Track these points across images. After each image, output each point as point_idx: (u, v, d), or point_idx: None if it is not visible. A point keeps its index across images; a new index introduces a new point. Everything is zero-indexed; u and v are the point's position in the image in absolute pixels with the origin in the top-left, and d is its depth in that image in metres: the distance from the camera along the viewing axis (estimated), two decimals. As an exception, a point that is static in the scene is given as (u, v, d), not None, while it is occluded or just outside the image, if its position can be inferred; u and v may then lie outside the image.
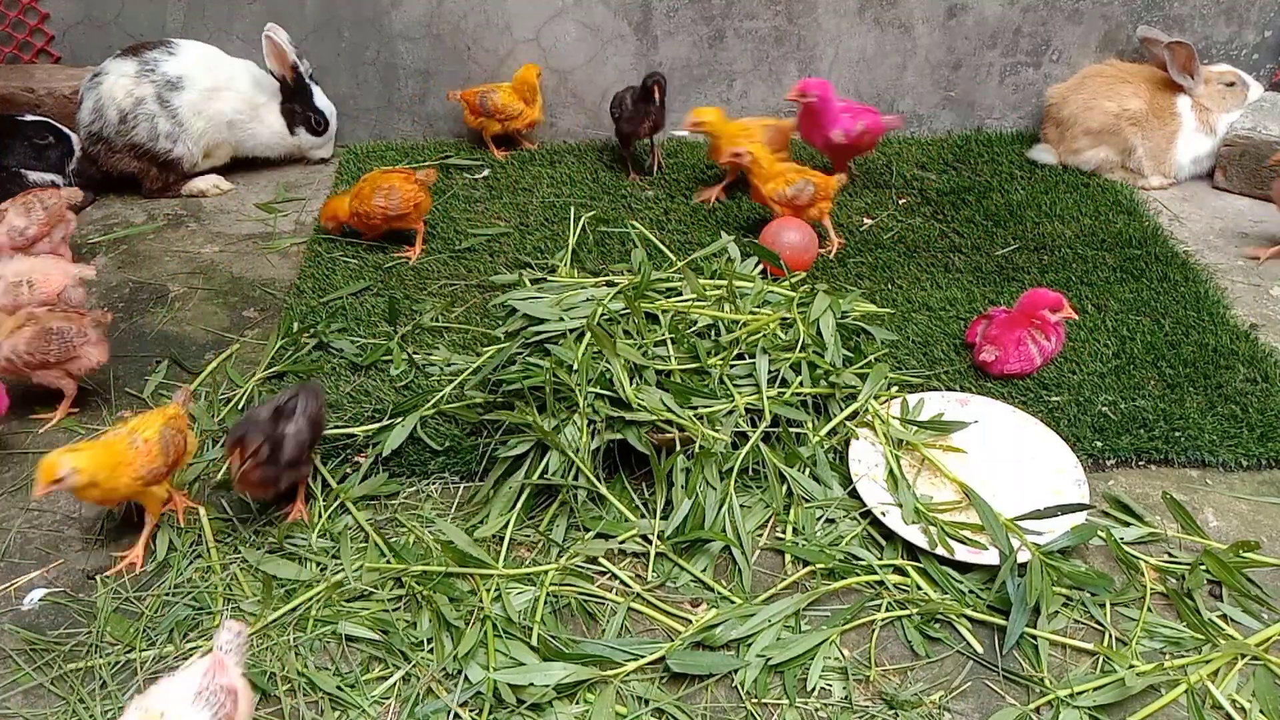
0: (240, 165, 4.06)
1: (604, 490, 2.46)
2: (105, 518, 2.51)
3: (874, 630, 2.22)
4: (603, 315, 2.69)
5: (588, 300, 2.76)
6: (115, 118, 3.72)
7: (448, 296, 3.26)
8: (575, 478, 2.45)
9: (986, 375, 2.90)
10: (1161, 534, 2.45)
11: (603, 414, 2.49)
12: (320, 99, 3.99)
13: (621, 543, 2.40)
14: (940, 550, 2.33)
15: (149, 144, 3.77)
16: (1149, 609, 2.25)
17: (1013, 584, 2.21)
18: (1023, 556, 2.27)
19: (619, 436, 2.48)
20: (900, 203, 3.78)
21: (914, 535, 2.37)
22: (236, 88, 3.87)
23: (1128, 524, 2.47)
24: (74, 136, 3.79)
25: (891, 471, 2.51)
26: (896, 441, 2.60)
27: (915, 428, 2.64)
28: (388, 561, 2.36)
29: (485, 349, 2.88)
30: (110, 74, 3.73)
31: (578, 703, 2.06)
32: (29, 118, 3.75)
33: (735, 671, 2.12)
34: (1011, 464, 2.58)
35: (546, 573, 2.33)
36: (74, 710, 2.06)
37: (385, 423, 2.69)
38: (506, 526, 2.42)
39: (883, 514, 2.42)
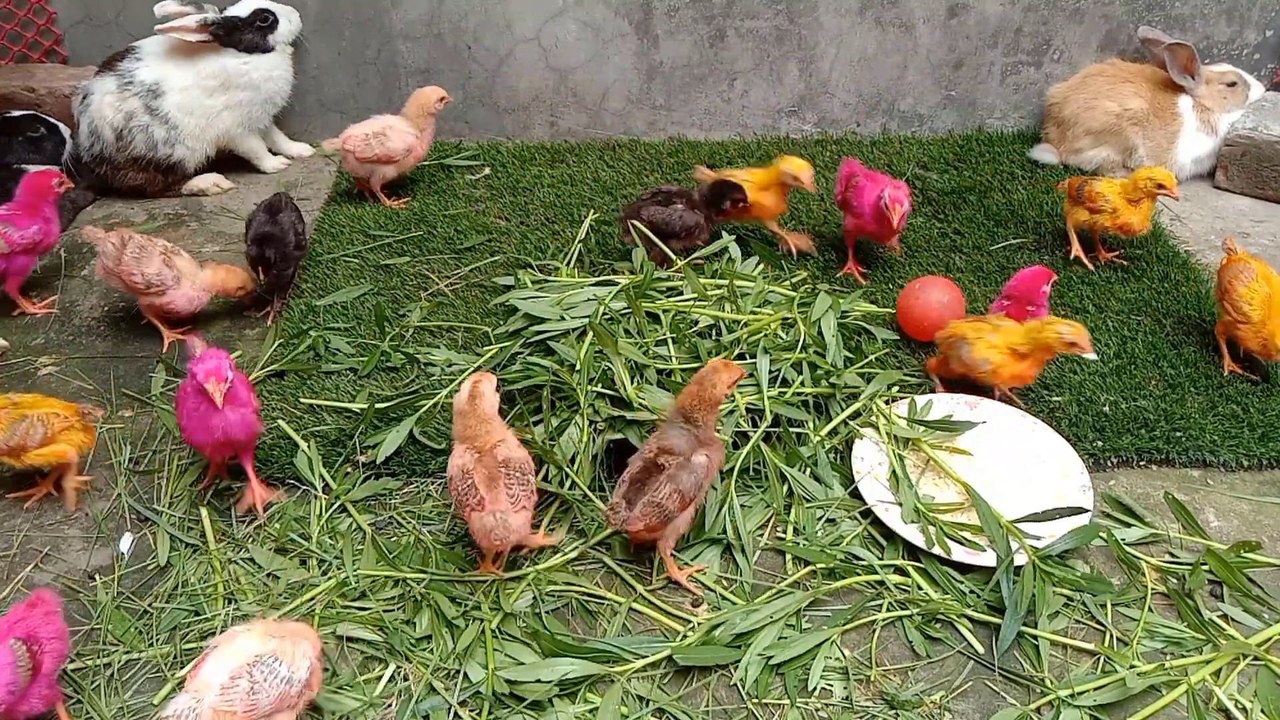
0: (241, 165, 4.06)
1: (598, 503, 2.46)
2: (105, 518, 2.51)
3: (875, 630, 2.22)
4: (604, 315, 2.69)
5: (589, 300, 2.76)
6: (111, 136, 3.72)
7: (445, 297, 3.25)
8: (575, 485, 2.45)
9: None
10: (1163, 534, 2.45)
11: (604, 414, 2.49)
12: (241, 8, 3.82)
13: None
14: (938, 550, 2.33)
15: (149, 154, 3.76)
16: (1150, 609, 2.25)
17: (1008, 587, 2.20)
18: (1021, 559, 2.27)
19: (620, 436, 2.48)
20: (901, 202, 3.77)
21: (912, 534, 2.37)
22: (206, 70, 3.77)
23: (1129, 524, 2.47)
24: (62, 126, 3.78)
25: (894, 471, 2.51)
26: (902, 441, 2.60)
27: (922, 428, 2.63)
28: (387, 565, 2.35)
29: (486, 348, 2.88)
30: (95, 93, 3.73)
31: (578, 702, 2.06)
32: (16, 113, 3.75)
33: (736, 669, 2.12)
34: (1018, 467, 2.58)
35: (546, 572, 2.33)
36: (84, 708, 2.07)
37: (383, 424, 2.69)
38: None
39: (884, 511, 2.42)
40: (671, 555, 2.32)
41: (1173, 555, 2.40)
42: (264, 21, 3.84)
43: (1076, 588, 2.27)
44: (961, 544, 2.35)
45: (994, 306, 2.95)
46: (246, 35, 3.81)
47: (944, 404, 2.73)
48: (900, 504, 2.44)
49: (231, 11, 3.80)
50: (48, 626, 1.98)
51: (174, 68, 3.76)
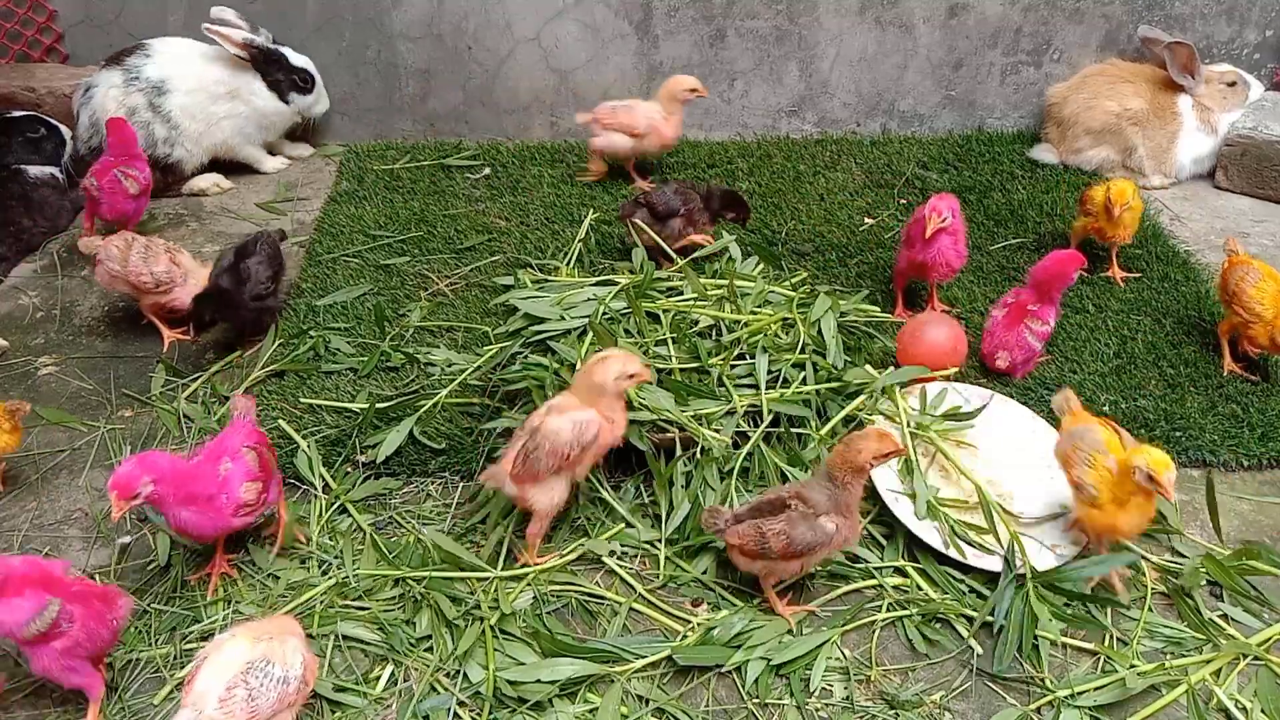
0: (240, 165, 4.06)
1: (606, 495, 2.46)
2: (105, 518, 2.51)
3: (875, 630, 2.22)
4: (604, 314, 2.69)
5: (589, 300, 2.76)
6: None
7: (445, 297, 3.25)
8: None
9: (986, 375, 2.90)
10: (1174, 530, 2.45)
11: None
12: (296, 57, 3.93)
13: (622, 546, 2.40)
14: (953, 553, 2.32)
15: (148, 151, 3.75)
16: (1150, 609, 2.25)
17: (1002, 609, 2.19)
18: (1024, 569, 2.26)
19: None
20: (901, 202, 3.77)
21: (926, 532, 2.35)
22: (215, 76, 3.82)
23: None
24: (63, 128, 3.79)
25: (907, 461, 2.50)
26: (912, 433, 2.58)
27: (932, 419, 2.62)
28: (387, 565, 2.35)
29: (486, 348, 2.88)
30: (99, 86, 3.73)
31: (578, 702, 2.06)
32: (16, 113, 3.75)
33: (737, 669, 2.12)
34: (1022, 466, 2.57)
35: (545, 571, 2.32)
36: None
37: (383, 424, 2.69)
38: (506, 528, 2.41)
39: (894, 500, 2.41)
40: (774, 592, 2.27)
41: (1178, 553, 2.40)
42: (303, 80, 3.94)
43: (1070, 617, 2.23)
44: (970, 544, 2.34)
45: (1012, 294, 2.93)
46: (278, 76, 3.89)
47: (954, 397, 2.72)
48: (910, 495, 2.43)
49: (284, 51, 3.88)
50: (95, 621, 1.98)
51: (184, 69, 3.78)
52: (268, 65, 3.86)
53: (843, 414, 2.63)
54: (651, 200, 3.22)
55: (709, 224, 3.30)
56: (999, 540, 2.31)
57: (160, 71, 3.74)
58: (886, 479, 2.48)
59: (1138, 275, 3.33)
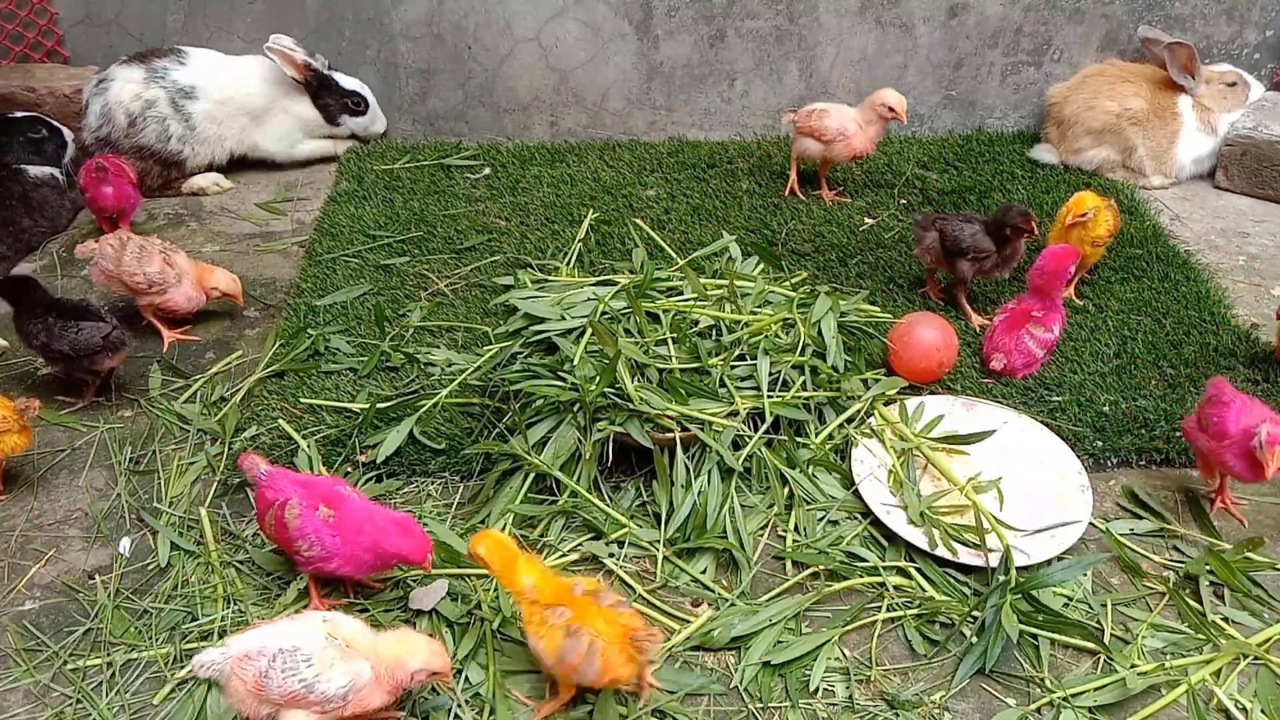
0: (240, 165, 4.06)
1: (602, 505, 2.45)
2: (105, 518, 2.51)
3: (875, 630, 2.22)
4: (604, 314, 2.69)
5: (589, 300, 2.76)
6: (124, 121, 3.73)
7: (445, 297, 3.25)
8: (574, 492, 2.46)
9: (987, 375, 2.90)
10: (1175, 530, 2.45)
11: (606, 413, 2.49)
12: (347, 81, 4.03)
13: (621, 548, 2.40)
14: (942, 551, 2.32)
15: (157, 146, 3.78)
16: (1150, 608, 2.25)
17: (991, 613, 2.19)
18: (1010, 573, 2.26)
19: (622, 429, 2.47)
20: (901, 202, 3.77)
21: (916, 537, 2.36)
22: (249, 90, 3.89)
23: (1140, 517, 2.47)
24: (64, 129, 3.80)
25: (895, 474, 2.51)
26: (902, 448, 2.59)
27: (927, 439, 2.62)
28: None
29: (486, 348, 2.88)
30: (116, 79, 3.75)
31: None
32: (19, 114, 3.76)
33: (736, 670, 2.12)
34: (1015, 468, 2.57)
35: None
36: (84, 708, 2.06)
37: (383, 424, 2.69)
38: (504, 527, 2.41)
39: (887, 512, 2.42)
40: None
41: (1180, 551, 2.40)
42: (355, 103, 4.04)
43: (1059, 630, 2.20)
44: (965, 545, 2.34)
45: (1020, 303, 2.92)
46: (330, 101, 3.99)
47: (938, 405, 2.72)
48: (903, 507, 2.44)
49: (335, 76, 3.98)
50: None
51: (217, 78, 3.83)
52: (319, 90, 3.96)
53: (839, 420, 2.64)
54: (945, 229, 3.03)
55: (1005, 268, 3.06)
56: (998, 535, 2.31)
57: (191, 78, 3.79)
58: (879, 493, 2.48)
59: (1138, 276, 3.33)
